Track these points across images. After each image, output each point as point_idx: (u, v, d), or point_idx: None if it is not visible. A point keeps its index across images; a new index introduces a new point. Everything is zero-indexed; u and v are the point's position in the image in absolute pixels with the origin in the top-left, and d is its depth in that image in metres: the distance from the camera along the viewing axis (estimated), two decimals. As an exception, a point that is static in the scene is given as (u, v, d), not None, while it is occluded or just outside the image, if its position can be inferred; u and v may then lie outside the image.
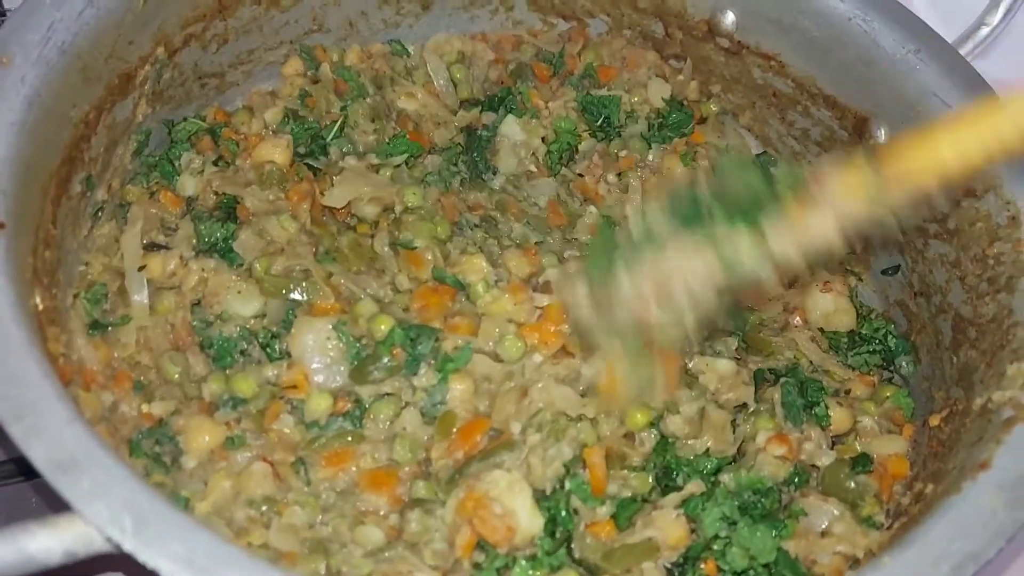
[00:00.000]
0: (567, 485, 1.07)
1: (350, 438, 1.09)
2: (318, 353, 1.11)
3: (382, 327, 1.12)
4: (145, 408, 1.09)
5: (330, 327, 1.12)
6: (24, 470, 1.22)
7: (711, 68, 1.52)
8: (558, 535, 1.04)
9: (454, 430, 1.10)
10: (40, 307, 1.03)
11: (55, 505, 0.86)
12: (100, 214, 1.21)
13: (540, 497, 1.05)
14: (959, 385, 1.18)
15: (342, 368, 1.12)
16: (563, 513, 1.05)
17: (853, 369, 1.32)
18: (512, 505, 1.01)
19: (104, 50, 1.16)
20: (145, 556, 0.81)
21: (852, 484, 1.15)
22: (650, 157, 1.41)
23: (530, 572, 1.02)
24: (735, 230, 0.89)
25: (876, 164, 0.87)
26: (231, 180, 1.26)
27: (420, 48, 1.49)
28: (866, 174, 0.87)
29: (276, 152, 1.28)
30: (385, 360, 1.11)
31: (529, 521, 1.02)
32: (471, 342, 1.14)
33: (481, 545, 1.03)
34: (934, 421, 1.20)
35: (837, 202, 0.86)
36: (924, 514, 0.98)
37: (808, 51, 1.41)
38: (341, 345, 1.12)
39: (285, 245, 1.20)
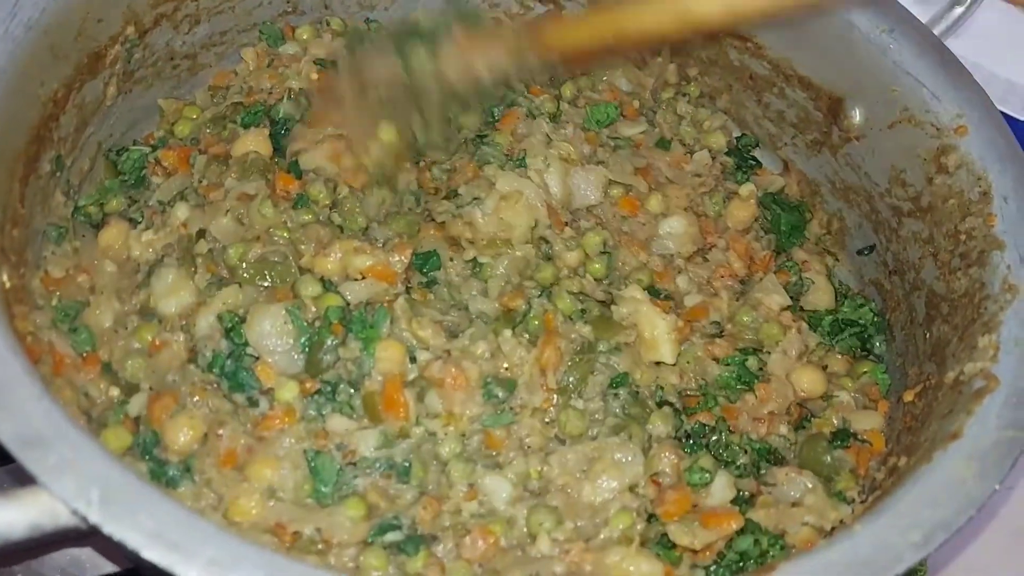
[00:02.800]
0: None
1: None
2: (275, 339, 1.08)
3: (324, 305, 1.09)
4: (113, 392, 1.08)
5: (284, 312, 1.09)
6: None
7: (689, 51, 1.51)
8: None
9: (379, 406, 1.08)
10: (7, 285, 1.03)
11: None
12: (72, 193, 1.20)
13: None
14: (932, 360, 1.19)
15: (301, 353, 1.09)
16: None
17: (833, 345, 1.32)
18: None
19: (72, 28, 1.15)
20: (111, 528, 0.81)
21: (828, 458, 1.16)
22: None
23: None
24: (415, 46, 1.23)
25: (523, 34, 1.24)
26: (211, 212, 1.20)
27: (398, 26, 1.49)
28: (512, 39, 1.23)
29: (259, 142, 1.26)
30: (330, 341, 1.08)
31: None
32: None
33: None
34: (908, 396, 1.20)
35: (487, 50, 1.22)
36: (896, 485, 0.99)
37: (784, 32, 1.41)
38: (295, 329, 1.09)
39: (263, 233, 1.18)
